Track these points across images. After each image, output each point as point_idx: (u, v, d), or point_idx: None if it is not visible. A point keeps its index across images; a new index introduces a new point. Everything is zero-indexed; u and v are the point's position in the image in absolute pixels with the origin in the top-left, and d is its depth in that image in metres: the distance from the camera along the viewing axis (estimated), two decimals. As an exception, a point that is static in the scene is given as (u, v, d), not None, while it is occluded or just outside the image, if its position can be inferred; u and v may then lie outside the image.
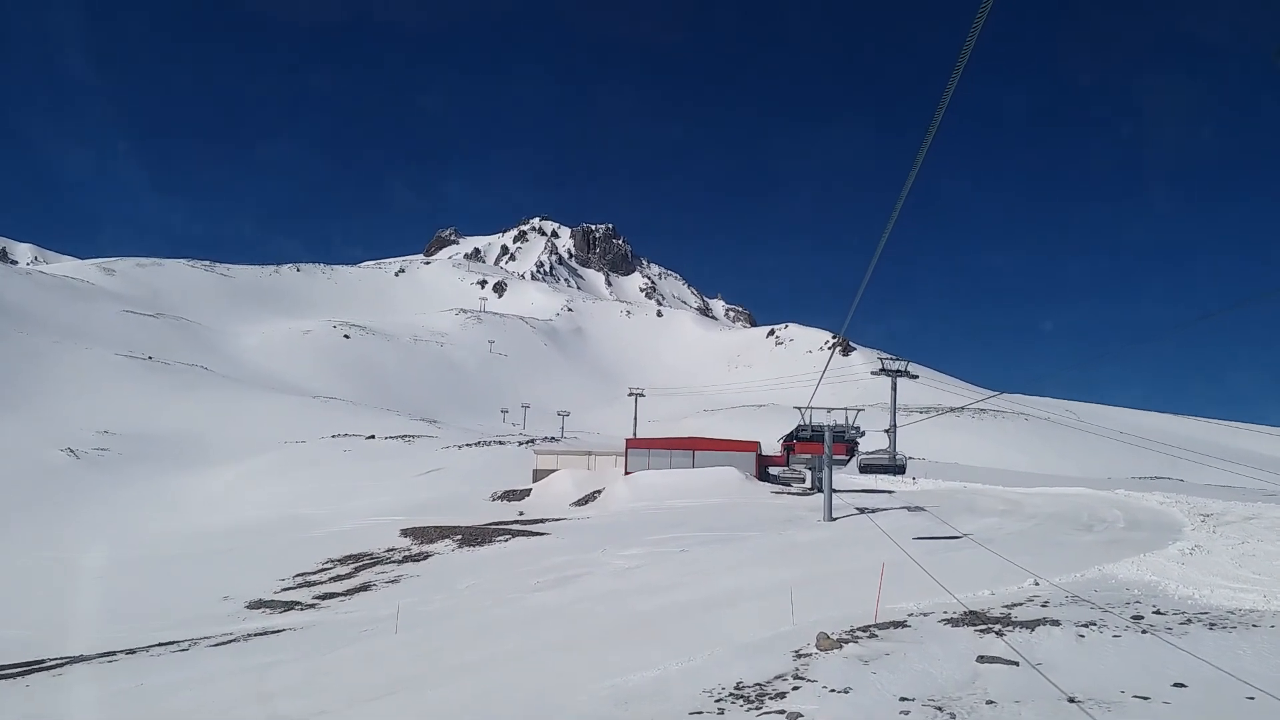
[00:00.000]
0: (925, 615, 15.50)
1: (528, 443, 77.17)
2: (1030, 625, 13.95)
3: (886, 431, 19.29)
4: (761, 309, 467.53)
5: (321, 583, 29.25)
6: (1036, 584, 18.04)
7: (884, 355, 61.20)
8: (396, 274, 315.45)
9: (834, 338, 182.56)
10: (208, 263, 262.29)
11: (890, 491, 41.51)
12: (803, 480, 48.47)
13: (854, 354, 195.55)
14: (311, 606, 25.21)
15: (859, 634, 14.21)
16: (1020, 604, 15.94)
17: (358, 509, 52.27)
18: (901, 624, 14.87)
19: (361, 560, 32.49)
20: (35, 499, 61.36)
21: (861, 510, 33.91)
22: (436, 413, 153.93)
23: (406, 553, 32.90)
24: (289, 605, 25.59)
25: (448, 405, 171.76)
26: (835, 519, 32.28)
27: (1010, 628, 13.92)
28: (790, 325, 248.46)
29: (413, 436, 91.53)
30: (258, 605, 26.17)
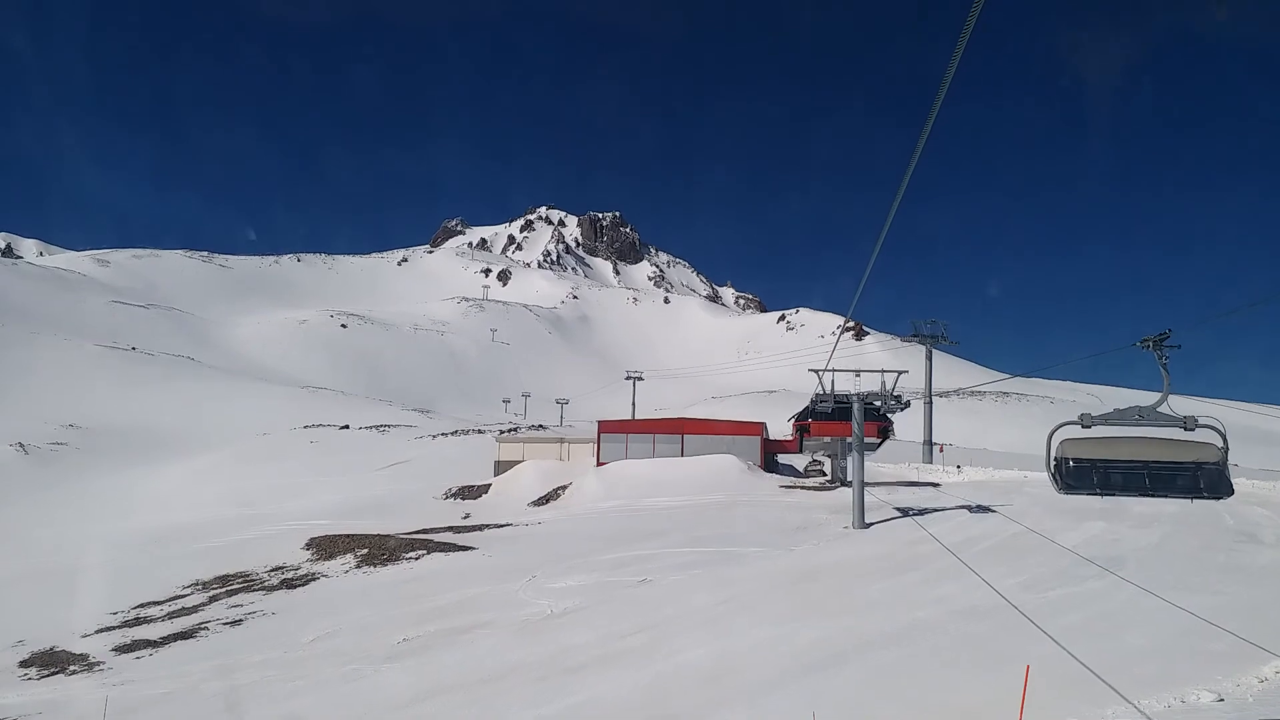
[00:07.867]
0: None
1: (510, 431, 68.82)
2: None
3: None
4: (772, 297, 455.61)
5: (155, 620, 21.02)
6: (1290, 672, 9.40)
7: (922, 322, 52.64)
8: (399, 264, 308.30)
9: (846, 321, 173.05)
10: (205, 253, 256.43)
11: (936, 484, 32.60)
12: (821, 471, 39.77)
13: (867, 338, 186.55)
14: (90, 668, 16.89)
15: None
16: (1319, 744, 7.28)
17: (292, 510, 44.30)
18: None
19: (231, 583, 24.25)
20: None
21: (904, 512, 25.16)
22: (434, 403, 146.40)
23: (293, 573, 24.63)
24: (61, 666, 17.28)
25: (447, 395, 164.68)
26: (869, 525, 23.66)
27: None
28: (801, 310, 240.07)
29: (388, 426, 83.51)
30: (30, 663, 17.90)
